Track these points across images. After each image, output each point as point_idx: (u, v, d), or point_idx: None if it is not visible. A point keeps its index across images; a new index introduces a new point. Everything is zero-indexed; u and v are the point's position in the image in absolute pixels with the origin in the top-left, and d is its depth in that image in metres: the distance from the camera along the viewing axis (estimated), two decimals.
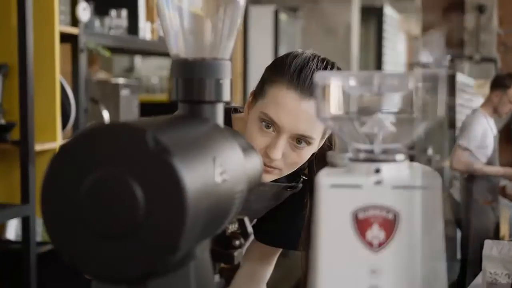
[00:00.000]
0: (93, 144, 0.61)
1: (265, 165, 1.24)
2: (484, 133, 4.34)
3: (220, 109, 0.80)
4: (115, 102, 3.00)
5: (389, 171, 0.67)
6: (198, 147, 0.66)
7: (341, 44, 5.57)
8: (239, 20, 0.84)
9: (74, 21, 2.64)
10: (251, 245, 1.40)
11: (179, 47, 0.81)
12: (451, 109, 6.52)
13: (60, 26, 2.53)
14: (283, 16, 5.73)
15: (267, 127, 1.24)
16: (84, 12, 2.62)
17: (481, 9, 8.52)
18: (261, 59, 4.73)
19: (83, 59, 2.68)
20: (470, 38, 9.07)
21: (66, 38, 2.62)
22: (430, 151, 6.29)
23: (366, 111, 0.70)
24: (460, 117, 6.50)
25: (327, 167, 0.76)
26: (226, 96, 0.80)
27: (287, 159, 1.26)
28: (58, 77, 2.50)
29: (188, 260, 0.66)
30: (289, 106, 1.22)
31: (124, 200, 0.59)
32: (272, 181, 1.33)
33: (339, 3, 5.46)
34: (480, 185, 4.35)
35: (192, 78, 0.78)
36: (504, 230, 4.82)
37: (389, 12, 7.49)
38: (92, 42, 2.64)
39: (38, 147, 2.41)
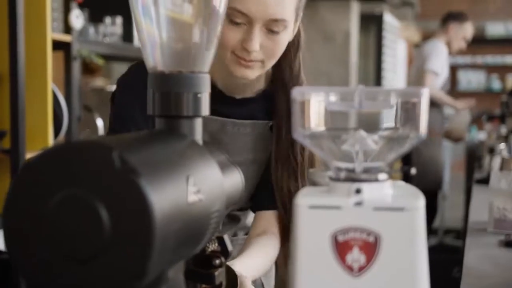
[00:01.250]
0: (59, 162, 0.58)
1: (245, 60, 1.22)
2: (444, 59, 4.42)
3: (198, 123, 0.77)
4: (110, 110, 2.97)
5: (370, 191, 0.64)
6: (170, 166, 0.63)
7: (340, 51, 5.54)
8: (218, 30, 0.81)
9: (67, 29, 2.62)
10: (253, 222, 1.37)
11: (156, 59, 0.78)
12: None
13: (53, 33, 2.50)
14: None
15: (237, 23, 1.20)
16: (77, 19, 2.60)
17: None
18: None
19: (76, 67, 2.66)
20: None
21: (59, 45, 2.59)
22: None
23: (347, 128, 0.68)
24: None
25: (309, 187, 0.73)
26: (205, 110, 0.77)
27: (266, 48, 1.22)
28: (50, 85, 2.47)
29: (159, 283, 0.63)
30: None
31: (89, 222, 0.56)
32: (252, 120, 1.33)
33: (338, 11, 5.43)
34: (434, 116, 4.39)
35: (169, 92, 0.75)
36: None
37: (388, 19, 7.47)
38: (85, 50, 2.61)
39: (29, 155, 2.38)
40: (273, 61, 1.26)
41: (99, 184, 0.56)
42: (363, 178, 0.65)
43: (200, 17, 0.79)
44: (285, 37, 1.24)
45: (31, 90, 2.42)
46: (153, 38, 0.77)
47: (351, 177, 0.66)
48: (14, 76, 2.30)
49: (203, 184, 0.66)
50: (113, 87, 3.17)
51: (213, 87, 1.28)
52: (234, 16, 1.19)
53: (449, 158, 6.11)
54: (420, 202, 0.64)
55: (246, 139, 1.34)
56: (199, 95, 0.76)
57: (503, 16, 9.73)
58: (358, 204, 0.63)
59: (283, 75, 1.35)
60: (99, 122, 2.87)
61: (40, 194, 0.57)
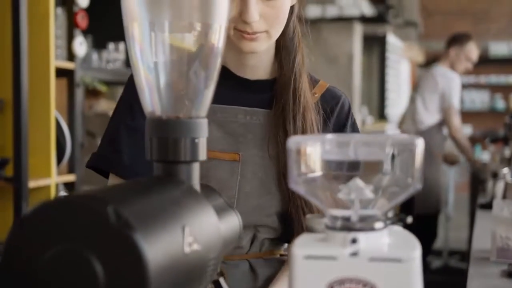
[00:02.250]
0: (54, 216, 0.58)
1: (248, 33, 1.16)
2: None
3: (196, 168, 0.77)
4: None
5: (366, 240, 0.64)
6: (165, 217, 0.63)
7: (343, 73, 5.56)
8: (216, 73, 0.81)
9: (71, 56, 2.63)
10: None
11: (154, 104, 0.78)
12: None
13: (56, 61, 2.52)
14: None
15: None
16: (80, 47, 2.61)
17: None
18: None
19: (79, 94, 2.67)
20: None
21: (62, 72, 2.61)
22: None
23: (343, 176, 0.68)
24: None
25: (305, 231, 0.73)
26: (202, 155, 0.77)
27: (266, 17, 1.16)
28: (53, 112, 2.48)
29: None
30: None
31: (83, 277, 0.56)
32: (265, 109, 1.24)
33: (341, 33, 5.46)
34: (436, 137, 4.38)
35: (167, 138, 0.75)
36: None
37: (392, 40, 7.49)
38: (88, 77, 2.62)
39: (32, 183, 2.38)
40: (278, 29, 1.19)
41: (94, 238, 0.56)
42: (359, 227, 0.65)
43: (198, 59, 0.79)
44: (285, 1, 1.18)
45: (34, 117, 2.43)
46: (150, 83, 0.78)
47: (347, 226, 0.66)
48: (17, 104, 2.31)
49: (200, 233, 0.67)
50: None
51: (224, 68, 1.27)
52: None
53: (453, 179, 6.10)
54: (416, 252, 0.64)
55: (257, 130, 1.25)
56: (196, 140, 0.76)
57: (506, 36, 9.76)
58: (354, 254, 0.63)
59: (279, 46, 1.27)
60: None
61: (35, 249, 0.58)
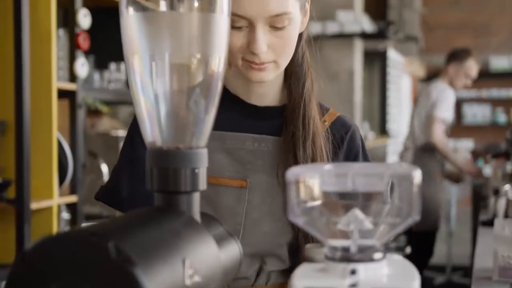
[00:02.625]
0: (55, 251, 0.58)
1: (255, 63, 1.15)
2: (452, 106, 4.40)
3: (196, 198, 0.78)
4: (115, 155, 2.99)
5: (366, 271, 0.65)
6: (166, 250, 0.63)
7: (344, 89, 5.58)
8: (216, 103, 0.82)
9: (73, 77, 2.65)
10: None
11: (154, 135, 0.79)
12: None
13: (58, 82, 2.53)
14: None
15: (239, 27, 1.13)
16: (82, 68, 2.63)
17: None
18: None
19: (81, 114, 2.68)
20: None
21: (64, 93, 2.62)
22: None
23: (342, 206, 0.68)
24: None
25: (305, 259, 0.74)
26: (203, 185, 0.78)
27: (274, 47, 1.15)
28: (55, 134, 2.49)
29: None
30: None
31: None
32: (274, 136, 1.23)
33: (342, 49, 5.48)
34: (434, 156, 4.37)
35: (167, 168, 0.76)
36: None
37: (392, 55, 7.51)
38: (90, 97, 2.64)
39: (34, 205, 2.39)
40: (286, 59, 1.19)
41: (95, 274, 0.57)
42: (358, 258, 0.66)
43: (198, 89, 0.80)
44: (293, 30, 1.17)
45: (36, 139, 2.44)
46: (151, 114, 0.78)
47: (346, 257, 0.66)
48: (19, 126, 2.32)
49: (200, 264, 0.67)
50: (118, 132, 3.20)
51: (234, 96, 1.27)
52: (233, 21, 1.12)
53: (456, 194, 6.10)
54: (415, 282, 0.64)
55: (266, 157, 1.24)
56: (196, 170, 0.77)
57: (507, 49, 9.78)
58: (353, 286, 0.64)
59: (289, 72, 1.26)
60: (104, 168, 2.89)
61: (36, 284, 0.58)
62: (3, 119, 2.43)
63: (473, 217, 5.08)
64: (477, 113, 9.95)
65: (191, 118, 0.78)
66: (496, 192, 3.27)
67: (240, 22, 1.13)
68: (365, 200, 0.69)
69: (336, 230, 0.68)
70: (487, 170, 6.10)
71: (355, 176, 0.66)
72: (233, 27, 1.13)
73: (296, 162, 1.20)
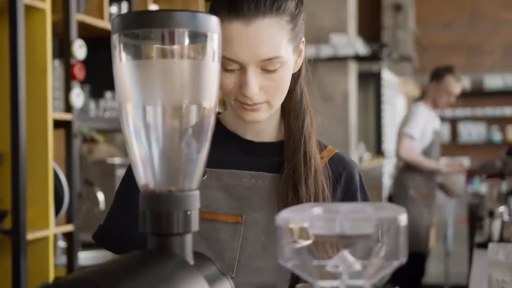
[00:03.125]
0: None
1: (248, 104, 1.17)
2: (425, 123, 4.37)
3: (188, 240, 0.79)
4: (111, 183, 3.01)
5: None
6: None
7: (339, 111, 5.61)
8: (207, 145, 0.84)
9: (68, 107, 2.67)
10: None
11: (147, 178, 0.81)
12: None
13: (54, 113, 2.55)
14: None
15: (231, 70, 1.15)
16: (77, 98, 2.65)
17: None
18: None
19: (76, 144, 2.70)
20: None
21: (60, 123, 2.64)
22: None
23: (331, 248, 0.70)
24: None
25: None
26: (195, 226, 0.80)
27: (266, 89, 1.16)
28: (51, 164, 2.51)
29: None
30: (237, 37, 1.13)
31: None
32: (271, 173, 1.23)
33: (337, 72, 5.52)
34: (415, 177, 4.36)
35: (160, 211, 0.78)
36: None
37: (387, 76, 7.56)
38: (85, 127, 2.66)
39: (30, 236, 2.40)
40: (279, 99, 1.20)
41: None
42: None
43: (190, 134, 0.82)
44: (285, 72, 1.18)
45: (33, 170, 2.45)
46: (143, 158, 0.80)
47: None
48: (15, 157, 2.34)
49: None
50: (114, 159, 3.21)
51: (231, 133, 1.29)
52: (225, 64, 1.14)
53: (452, 213, 6.11)
54: None
55: (263, 193, 1.24)
56: (188, 213, 0.79)
57: (500, 68, 9.86)
58: None
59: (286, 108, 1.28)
60: (100, 196, 2.90)
61: None
62: None
63: (469, 237, 5.09)
64: (472, 132, 10.00)
65: (183, 161, 0.80)
66: (491, 214, 3.28)
67: (232, 66, 1.14)
68: (354, 242, 0.70)
69: (325, 271, 0.69)
70: (483, 188, 6.10)
71: (343, 220, 0.68)
72: (225, 69, 1.15)
73: (298, 199, 1.21)
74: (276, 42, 1.14)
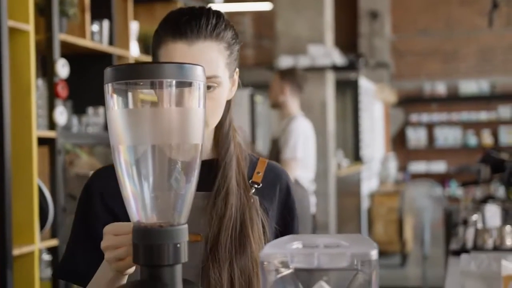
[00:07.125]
0: None
1: None
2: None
3: (178, 270, 0.86)
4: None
5: None
6: None
7: (317, 120, 5.68)
8: (194, 184, 0.91)
9: (52, 124, 2.72)
10: None
11: (139, 214, 0.88)
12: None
13: (38, 130, 2.60)
14: (258, 98, 5.96)
15: None
16: (61, 116, 2.70)
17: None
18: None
19: (60, 160, 2.75)
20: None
21: (44, 141, 2.69)
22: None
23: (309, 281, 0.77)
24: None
25: None
26: (184, 257, 0.87)
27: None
28: (36, 180, 2.55)
29: None
30: (181, 56, 1.21)
31: None
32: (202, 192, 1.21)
33: (314, 81, 5.59)
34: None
35: (152, 244, 0.85)
36: None
37: (364, 83, 7.67)
38: (69, 144, 2.71)
39: (16, 251, 2.44)
40: (215, 119, 1.26)
41: None
42: None
43: (179, 172, 0.89)
44: (222, 94, 1.25)
45: (18, 186, 2.50)
46: (136, 196, 0.88)
47: None
48: (1, 173, 2.38)
49: None
50: None
51: None
52: None
53: (429, 217, 6.21)
54: None
55: (195, 213, 1.21)
56: (178, 245, 0.86)
57: (475, 74, 10.02)
58: None
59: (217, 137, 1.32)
60: None
61: None
62: None
63: (445, 241, 5.19)
64: (448, 136, 10.15)
65: (172, 199, 0.88)
66: (465, 222, 3.36)
67: None
68: (330, 273, 0.78)
69: None
70: (459, 192, 6.20)
71: (320, 254, 0.75)
72: None
73: (210, 218, 1.25)
74: (215, 63, 1.23)
